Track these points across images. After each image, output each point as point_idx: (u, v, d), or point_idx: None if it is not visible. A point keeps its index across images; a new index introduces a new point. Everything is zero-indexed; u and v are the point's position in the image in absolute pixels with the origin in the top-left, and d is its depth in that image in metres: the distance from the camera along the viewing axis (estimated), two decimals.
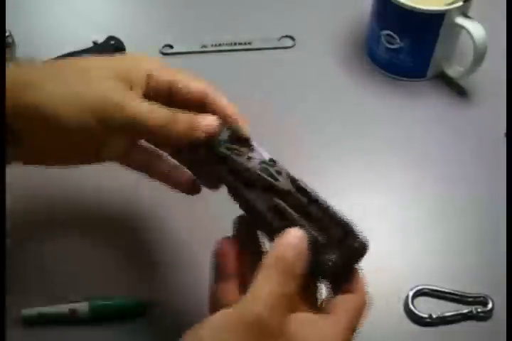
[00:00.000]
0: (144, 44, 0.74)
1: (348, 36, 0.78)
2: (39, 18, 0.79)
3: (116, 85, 0.46)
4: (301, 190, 0.46)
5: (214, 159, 0.48)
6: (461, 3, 0.67)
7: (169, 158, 0.53)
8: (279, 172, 0.47)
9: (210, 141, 0.48)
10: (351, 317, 0.44)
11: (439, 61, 0.72)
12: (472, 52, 0.68)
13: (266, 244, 0.47)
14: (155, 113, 0.47)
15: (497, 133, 0.69)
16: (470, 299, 0.58)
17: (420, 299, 0.58)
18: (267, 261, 0.42)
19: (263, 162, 0.47)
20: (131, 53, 0.51)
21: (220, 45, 0.76)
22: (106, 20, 0.80)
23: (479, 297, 0.58)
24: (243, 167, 0.47)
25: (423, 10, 0.66)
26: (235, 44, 0.76)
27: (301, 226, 0.44)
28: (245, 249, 0.47)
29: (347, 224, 0.45)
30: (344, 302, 0.45)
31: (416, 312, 0.57)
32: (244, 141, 0.49)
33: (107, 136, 0.48)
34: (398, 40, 0.70)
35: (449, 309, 0.57)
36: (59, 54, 0.71)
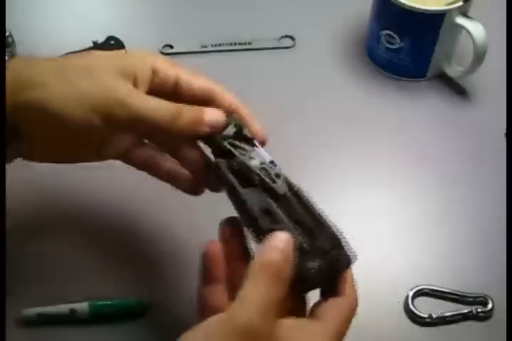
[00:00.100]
0: (143, 44, 0.74)
1: (348, 36, 0.78)
2: (39, 18, 0.79)
3: (120, 82, 0.47)
4: (297, 196, 0.46)
5: (216, 153, 0.48)
6: (461, 3, 0.67)
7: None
8: (277, 175, 0.47)
9: (214, 135, 0.48)
10: (340, 322, 0.44)
11: (439, 61, 0.72)
12: (472, 52, 0.68)
13: (253, 246, 0.47)
14: (159, 108, 0.47)
15: (497, 133, 0.69)
16: (470, 299, 0.58)
17: (420, 299, 0.58)
18: (255, 265, 0.42)
19: (263, 163, 0.47)
20: (136, 50, 0.51)
21: (220, 45, 0.76)
22: (106, 20, 0.80)
23: (479, 297, 0.58)
24: (244, 164, 0.47)
25: (423, 10, 0.66)
26: (235, 44, 0.76)
27: (289, 231, 0.43)
28: (232, 251, 0.47)
29: (336, 236, 0.45)
30: (333, 306, 0.45)
31: (416, 312, 0.57)
32: (248, 140, 0.49)
33: (111, 133, 0.48)
34: (398, 40, 0.70)
35: (449, 309, 0.57)
36: (59, 54, 0.70)
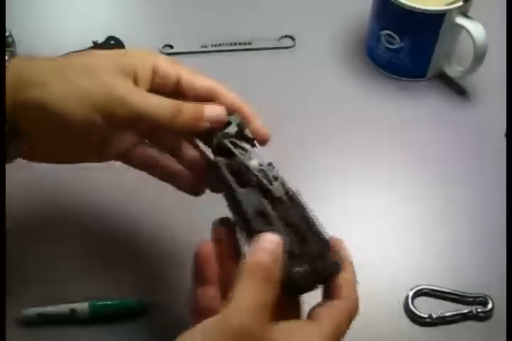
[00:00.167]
0: (143, 44, 0.74)
1: (348, 36, 0.78)
2: (39, 18, 0.79)
3: (120, 80, 0.47)
4: (293, 200, 0.46)
5: (216, 152, 0.48)
6: (461, 3, 0.67)
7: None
8: (275, 178, 0.46)
9: (215, 133, 0.48)
10: (336, 324, 0.44)
11: (439, 61, 0.72)
12: (472, 52, 0.68)
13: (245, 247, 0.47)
14: (159, 105, 0.47)
15: (497, 133, 0.69)
16: (470, 299, 0.58)
17: (420, 299, 0.58)
18: (245, 266, 0.42)
19: (262, 164, 0.47)
20: (136, 49, 0.51)
21: (220, 45, 0.76)
22: (106, 20, 0.80)
23: (479, 297, 0.58)
24: (243, 164, 0.47)
25: (423, 10, 0.66)
26: (235, 44, 0.76)
27: (281, 234, 0.43)
28: (224, 251, 0.47)
29: (327, 243, 0.45)
30: (330, 308, 0.44)
31: (416, 312, 0.57)
32: (249, 140, 0.49)
33: (112, 132, 0.48)
34: (398, 40, 0.70)
35: (449, 309, 0.57)
36: (59, 54, 0.70)
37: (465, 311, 0.57)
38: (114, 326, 0.56)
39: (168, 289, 0.58)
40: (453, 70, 0.72)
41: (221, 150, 0.48)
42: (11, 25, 0.72)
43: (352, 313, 0.45)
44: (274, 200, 0.46)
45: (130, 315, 0.57)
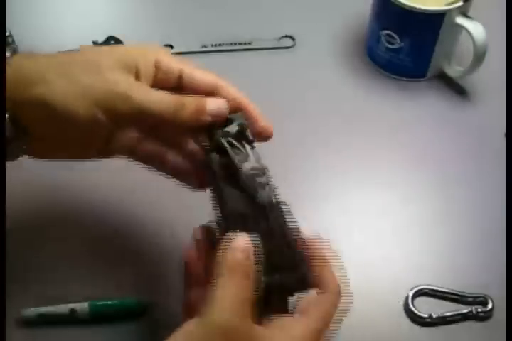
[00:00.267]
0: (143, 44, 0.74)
1: (348, 36, 0.78)
2: (39, 18, 0.79)
3: (121, 76, 0.46)
4: (277, 209, 0.46)
5: (214, 148, 0.48)
6: (461, 3, 0.67)
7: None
8: (264, 184, 0.46)
9: (214, 130, 0.47)
10: (320, 318, 0.44)
11: (439, 61, 0.72)
12: (472, 52, 0.68)
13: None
14: (161, 100, 0.47)
15: (497, 133, 0.69)
16: (470, 299, 0.58)
17: (420, 299, 0.58)
18: (220, 265, 0.42)
19: (254, 168, 0.46)
20: (139, 44, 0.51)
21: (220, 45, 0.76)
22: (106, 20, 0.80)
23: (479, 297, 0.58)
24: (235, 166, 0.46)
25: (423, 10, 0.66)
26: (235, 44, 0.76)
27: (256, 241, 0.43)
28: (211, 255, 0.47)
29: (301, 259, 0.45)
30: (314, 303, 0.45)
31: (416, 312, 0.57)
32: (249, 142, 0.48)
33: (116, 128, 0.48)
34: (398, 40, 0.70)
35: (449, 309, 0.57)
36: None
37: (465, 311, 0.57)
38: (114, 326, 0.56)
39: (168, 289, 0.58)
40: (453, 70, 0.72)
41: (218, 148, 0.47)
42: (11, 25, 0.72)
43: (336, 305, 0.46)
44: (257, 206, 0.45)
45: (130, 315, 0.56)
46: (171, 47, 0.76)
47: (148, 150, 0.51)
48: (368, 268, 0.60)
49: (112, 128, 0.47)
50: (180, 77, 0.49)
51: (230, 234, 0.43)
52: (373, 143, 0.69)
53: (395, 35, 0.70)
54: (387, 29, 0.70)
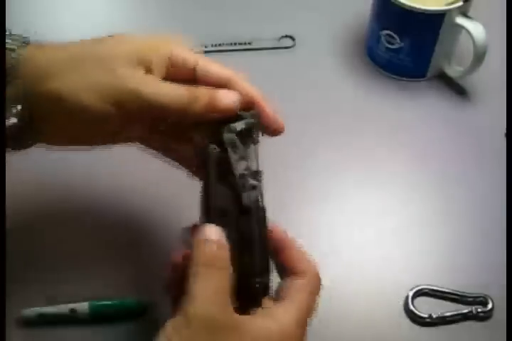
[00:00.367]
0: None
1: (348, 36, 0.78)
2: (39, 18, 0.79)
3: (132, 70, 0.46)
4: (258, 214, 0.46)
5: (212, 141, 0.47)
6: (461, 3, 0.67)
7: None
8: (253, 187, 0.46)
9: (221, 122, 0.47)
10: (305, 302, 0.45)
11: (439, 61, 0.72)
12: (472, 52, 0.68)
13: None
14: (173, 94, 0.47)
15: (497, 133, 0.69)
16: (470, 299, 0.58)
17: (420, 299, 0.58)
18: (193, 259, 0.43)
19: (249, 169, 0.46)
20: (153, 35, 0.50)
21: (220, 45, 0.76)
22: (106, 20, 0.80)
23: (479, 297, 0.58)
24: (229, 163, 0.46)
25: (423, 10, 0.66)
26: (235, 44, 0.76)
27: (229, 239, 0.44)
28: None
29: (267, 266, 0.45)
30: (296, 288, 0.45)
31: (416, 312, 0.57)
32: (253, 142, 0.48)
33: (127, 121, 0.48)
34: (398, 40, 0.70)
35: (449, 309, 0.57)
36: None
37: (465, 311, 0.57)
38: (114, 326, 0.56)
39: None
40: (453, 70, 0.72)
41: (218, 143, 0.47)
42: (11, 25, 0.71)
43: (318, 288, 0.46)
44: (240, 207, 0.45)
45: (130, 315, 0.56)
46: None
47: (159, 139, 0.51)
48: (368, 268, 0.60)
49: (123, 121, 0.47)
50: (193, 70, 0.48)
51: (202, 225, 0.44)
52: (373, 143, 0.69)
53: (395, 35, 0.70)
54: (387, 29, 0.70)
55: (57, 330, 0.56)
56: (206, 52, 0.76)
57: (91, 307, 0.56)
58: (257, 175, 0.47)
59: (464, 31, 0.68)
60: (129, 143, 0.52)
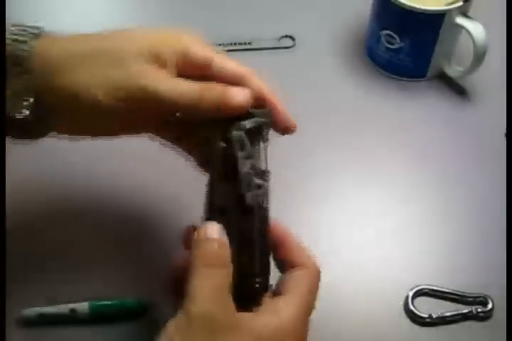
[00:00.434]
0: None
1: (348, 36, 0.78)
2: (38, 18, 0.79)
3: (146, 67, 0.46)
4: (260, 216, 0.45)
5: (220, 137, 0.46)
6: (461, 3, 0.67)
7: None
8: (258, 186, 0.45)
9: (231, 119, 0.46)
10: (306, 293, 0.45)
11: (439, 61, 0.72)
12: (472, 52, 0.68)
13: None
14: (185, 90, 0.46)
15: (497, 133, 0.69)
16: (470, 299, 0.58)
17: (420, 299, 0.58)
18: (193, 258, 0.43)
19: (255, 168, 0.46)
20: (165, 29, 0.50)
21: (220, 45, 0.76)
22: (106, 20, 0.80)
23: (479, 297, 0.58)
24: (235, 160, 0.45)
25: (423, 10, 0.66)
26: (235, 44, 0.76)
27: (229, 239, 0.44)
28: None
29: (267, 268, 0.45)
30: (296, 280, 0.45)
31: (416, 312, 0.57)
32: (263, 140, 0.47)
33: (139, 115, 0.48)
34: (398, 40, 0.70)
35: (449, 309, 0.57)
36: None
37: (465, 311, 0.57)
38: (114, 326, 0.56)
39: None
40: (453, 70, 0.72)
41: (226, 140, 0.46)
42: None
43: (318, 279, 0.46)
44: (243, 206, 0.45)
45: (130, 315, 0.56)
46: None
47: (172, 130, 0.52)
48: (368, 268, 0.60)
49: (135, 116, 0.48)
50: (207, 65, 0.48)
51: (204, 223, 0.44)
52: (373, 143, 0.69)
53: (395, 35, 0.70)
54: (387, 29, 0.70)
55: (57, 330, 0.56)
56: None
57: (91, 307, 0.56)
58: (264, 174, 0.46)
59: (464, 31, 0.68)
60: (138, 135, 0.52)
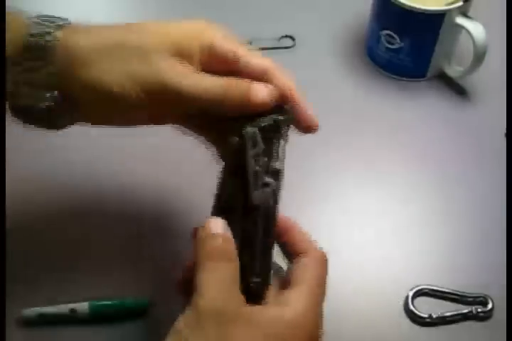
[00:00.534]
0: None
1: (348, 36, 0.78)
2: None
3: (169, 62, 0.46)
4: (266, 216, 0.45)
5: (235, 133, 0.46)
6: (461, 3, 0.67)
7: None
8: (267, 184, 0.45)
9: (250, 115, 0.46)
10: (311, 282, 0.44)
11: (439, 61, 0.72)
12: (472, 52, 0.68)
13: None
14: (210, 87, 0.46)
15: (497, 133, 0.69)
16: (470, 299, 0.58)
17: (420, 299, 0.58)
18: (200, 254, 0.43)
19: (265, 166, 0.45)
20: (190, 21, 0.49)
21: None
22: (106, 20, 0.80)
23: (479, 297, 0.58)
24: (245, 158, 0.45)
25: (423, 10, 0.66)
26: None
27: (233, 238, 0.44)
28: None
29: (268, 268, 0.45)
30: (299, 267, 0.45)
31: (416, 312, 0.57)
32: (278, 137, 0.46)
33: (163, 109, 0.48)
34: (398, 40, 0.70)
35: (449, 309, 0.57)
36: None
37: (465, 311, 0.57)
38: (114, 326, 0.56)
39: (168, 289, 0.58)
40: (453, 70, 0.72)
41: (240, 136, 0.45)
42: None
43: (320, 263, 0.46)
44: (249, 205, 0.45)
45: (130, 315, 0.56)
46: None
47: (196, 122, 0.51)
48: (368, 268, 0.60)
49: (159, 109, 0.47)
50: (233, 60, 0.48)
51: (207, 219, 0.44)
52: (373, 142, 0.69)
53: (395, 35, 0.70)
54: (387, 29, 0.70)
55: (57, 330, 0.56)
56: None
57: (91, 307, 0.56)
58: (277, 173, 0.46)
59: (464, 31, 0.68)
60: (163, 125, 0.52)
